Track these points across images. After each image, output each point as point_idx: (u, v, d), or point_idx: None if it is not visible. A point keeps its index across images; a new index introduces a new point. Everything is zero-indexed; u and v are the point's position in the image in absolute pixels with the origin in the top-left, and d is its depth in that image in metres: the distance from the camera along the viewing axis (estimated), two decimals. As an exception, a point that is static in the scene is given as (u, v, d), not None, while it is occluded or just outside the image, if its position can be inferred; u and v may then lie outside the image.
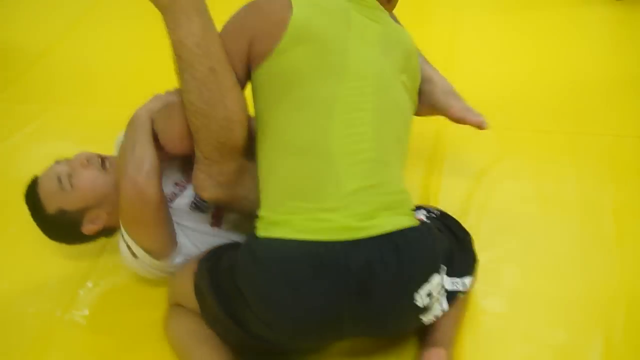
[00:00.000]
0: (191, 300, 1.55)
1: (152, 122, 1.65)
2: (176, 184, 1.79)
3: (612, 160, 2.12)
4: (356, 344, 1.64)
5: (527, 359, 1.61)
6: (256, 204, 1.48)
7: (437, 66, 2.53)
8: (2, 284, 1.92)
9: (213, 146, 1.51)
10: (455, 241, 1.60)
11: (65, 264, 1.92)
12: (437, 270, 1.42)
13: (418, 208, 1.67)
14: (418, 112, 1.78)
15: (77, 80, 2.77)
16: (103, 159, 1.74)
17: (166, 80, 1.75)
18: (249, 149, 1.57)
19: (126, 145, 1.63)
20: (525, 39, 2.81)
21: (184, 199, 1.75)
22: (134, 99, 1.76)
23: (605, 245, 1.85)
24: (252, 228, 1.44)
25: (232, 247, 1.54)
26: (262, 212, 1.44)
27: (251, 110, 1.58)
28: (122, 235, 1.65)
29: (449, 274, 1.52)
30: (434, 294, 1.42)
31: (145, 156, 1.59)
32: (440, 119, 1.87)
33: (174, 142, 1.60)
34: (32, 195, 1.72)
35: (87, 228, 1.72)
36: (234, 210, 1.72)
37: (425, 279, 1.39)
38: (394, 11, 1.79)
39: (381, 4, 1.65)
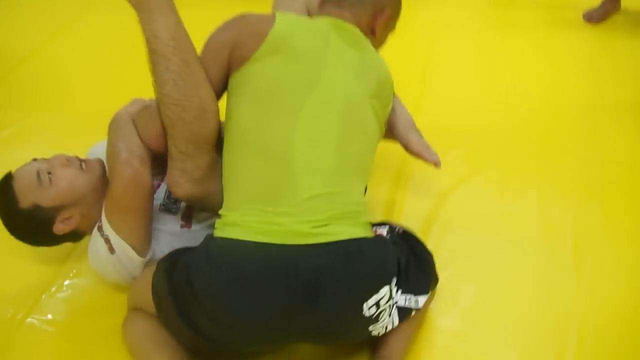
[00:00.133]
0: (149, 303, 1.57)
1: (132, 122, 1.70)
2: None
3: (576, 184, 2.16)
4: (308, 353, 1.66)
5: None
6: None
7: (411, 83, 2.59)
8: None
9: (188, 139, 1.56)
10: (414, 259, 1.63)
11: (30, 269, 1.93)
12: (387, 282, 1.45)
13: (383, 224, 1.71)
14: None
15: (57, 86, 2.79)
16: (81, 161, 1.75)
17: (145, 89, 1.79)
18: (219, 145, 1.62)
19: (114, 139, 1.67)
20: (501, 60, 2.87)
21: (155, 201, 1.78)
22: (111, 107, 1.80)
23: (562, 268, 1.88)
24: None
25: (191, 248, 1.57)
26: (221, 211, 1.50)
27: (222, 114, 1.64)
28: (101, 230, 1.66)
29: (404, 291, 1.54)
30: (382, 305, 1.44)
31: (137, 144, 1.64)
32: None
33: (153, 139, 1.65)
34: (6, 189, 1.68)
35: (59, 227, 1.70)
36: (205, 208, 1.74)
37: (373, 289, 1.42)
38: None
39: (365, 33, 1.74)
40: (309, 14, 1.88)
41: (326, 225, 1.43)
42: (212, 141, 1.61)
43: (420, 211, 2.08)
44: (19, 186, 1.67)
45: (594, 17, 3.08)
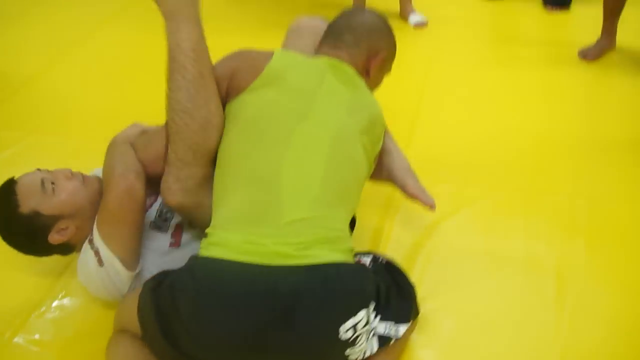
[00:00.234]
0: (135, 323, 1.60)
1: (130, 144, 1.77)
2: None
3: (561, 221, 2.19)
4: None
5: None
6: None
7: (404, 116, 2.63)
8: None
9: (189, 146, 1.63)
10: (395, 288, 1.66)
11: (21, 287, 1.97)
12: (365, 307, 1.47)
13: (366, 254, 1.75)
14: (374, 178, 1.95)
15: (57, 111, 2.85)
16: (83, 176, 1.82)
17: (143, 116, 1.85)
18: (214, 164, 1.68)
19: (110, 157, 1.74)
20: (495, 96, 2.90)
21: (146, 219, 1.82)
22: (109, 132, 1.86)
23: (544, 304, 1.90)
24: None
25: (178, 269, 1.59)
26: (208, 230, 1.55)
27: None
28: (92, 243, 1.70)
29: (384, 318, 1.56)
30: (359, 329, 1.46)
31: (133, 162, 1.71)
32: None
33: (149, 161, 1.72)
34: (8, 192, 1.74)
35: (54, 237, 1.75)
36: (193, 221, 1.79)
37: (350, 312, 1.45)
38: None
39: (360, 74, 1.82)
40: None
41: (307, 248, 1.47)
42: (210, 155, 1.67)
43: (406, 242, 2.11)
44: (21, 191, 1.73)
45: (590, 55, 3.12)
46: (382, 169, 1.94)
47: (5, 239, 1.79)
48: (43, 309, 1.91)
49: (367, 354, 1.56)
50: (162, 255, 1.79)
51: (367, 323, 1.49)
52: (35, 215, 1.72)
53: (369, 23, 1.90)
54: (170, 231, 1.83)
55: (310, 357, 1.51)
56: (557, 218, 2.20)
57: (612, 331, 1.83)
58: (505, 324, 1.85)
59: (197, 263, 1.50)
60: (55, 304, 1.93)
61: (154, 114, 1.82)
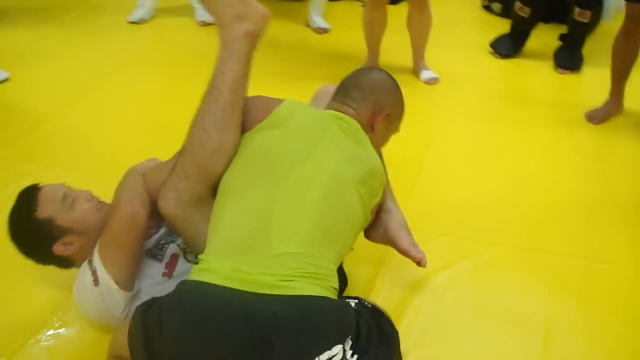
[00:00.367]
0: (126, 347, 1.65)
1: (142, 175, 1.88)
2: None
3: (555, 279, 2.22)
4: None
5: None
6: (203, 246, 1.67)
7: (407, 167, 2.69)
8: None
9: (196, 162, 1.74)
10: (377, 331, 1.66)
11: (19, 315, 2.04)
12: (340, 342, 1.50)
13: (353, 298, 1.77)
14: (372, 238, 2.04)
15: (74, 146, 2.94)
16: (100, 202, 1.93)
17: (153, 156, 1.94)
18: (213, 191, 1.77)
19: (122, 184, 1.85)
20: (499, 154, 2.96)
21: (145, 246, 1.91)
22: (122, 169, 1.94)
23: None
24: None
25: (168, 293, 1.65)
26: (200, 256, 1.63)
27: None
28: (90, 263, 1.79)
29: (361, 359, 1.56)
30: None
31: (140, 191, 1.81)
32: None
33: (155, 189, 1.81)
34: (29, 195, 1.86)
35: (58, 248, 1.85)
36: (181, 235, 1.86)
37: (326, 345, 1.48)
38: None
39: (364, 129, 1.91)
40: None
41: (291, 280, 1.53)
42: (212, 178, 1.75)
43: (396, 293, 2.14)
44: (43, 197, 1.85)
45: (596, 118, 3.16)
46: (379, 225, 2.02)
47: (12, 236, 1.88)
48: (39, 336, 1.96)
49: None
50: (155, 284, 1.86)
51: (342, 358, 1.51)
52: (48, 222, 1.83)
53: (376, 81, 2.00)
54: (165, 261, 1.90)
55: None
56: (551, 276, 2.23)
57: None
58: (490, 377, 1.88)
59: (184, 286, 1.57)
60: (51, 332, 1.98)
61: (166, 154, 1.90)
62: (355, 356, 1.55)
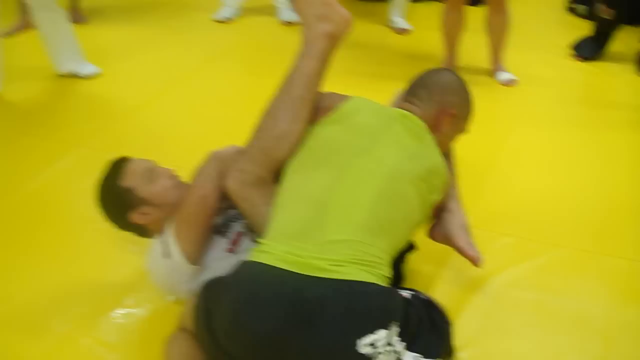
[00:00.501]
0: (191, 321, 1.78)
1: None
2: None
3: (618, 284, 2.20)
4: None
5: None
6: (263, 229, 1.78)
7: (478, 167, 2.70)
8: (29, 292, 2.19)
9: (262, 148, 1.86)
10: (429, 323, 1.71)
11: (94, 293, 2.18)
12: (384, 327, 1.55)
13: (409, 289, 1.81)
14: (433, 236, 2.09)
15: (154, 138, 3.06)
16: (181, 182, 2.07)
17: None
18: (275, 177, 1.88)
19: (201, 167, 1.98)
20: (575, 156, 2.95)
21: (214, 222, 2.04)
22: (196, 161, 2.02)
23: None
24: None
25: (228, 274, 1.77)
26: (260, 240, 1.73)
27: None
28: (164, 236, 1.94)
29: (411, 348, 1.61)
30: (378, 346, 1.53)
31: (214, 176, 1.92)
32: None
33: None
34: (118, 165, 2.03)
35: (135, 216, 2.00)
36: (246, 223, 1.98)
37: (369, 328, 1.54)
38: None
39: (430, 128, 1.95)
40: None
41: (341, 265, 1.60)
42: (275, 164, 1.86)
43: (455, 289, 2.17)
44: (129, 169, 2.02)
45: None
46: (441, 224, 2.06)
47: (98, 200, 2.04)
48: (113, 314, 2.09)
49: None
50: (219, 259, 1.97)
51: (388, 344, 1.55)
52: (129, 191, 1.99)
53: (443, 81, 2.05)
54: (230, 237, 2.01)
55: None
56: (614, 280, 2.21)
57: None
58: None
59: (242, 266, 1.68)
60: (123, 311, 2.11)
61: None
62: (403, 344, 1.59)
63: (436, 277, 2.23)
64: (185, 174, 2.05)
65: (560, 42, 4.01)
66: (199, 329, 1.73)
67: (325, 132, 1.87)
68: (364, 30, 4.21)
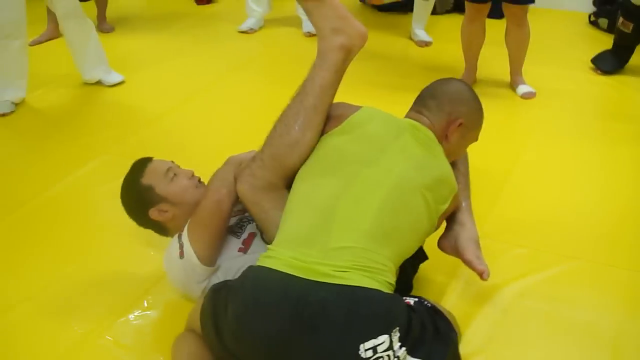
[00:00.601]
0: (199, 323, 1.83)
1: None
2: None
3: (631, 296, 2.20)
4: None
5: None
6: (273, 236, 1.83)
7: (494, 178, 2.71)
8: (50, 292, 2.26)
9: (273, 154, 1.90)
10: (433, 330, 1.72)
11: (111, 295, 2.23)
12: (387, 332, 1.58)
13: (414, 297, 1.84)
14: (443, 248, 2.11)
15: (178, 145, 3.11)
16: (200, 183, 2.15)
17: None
18: (286, 183, 1.93)
19: (218, 172, 2.04)
20: (589, 168, 2.96)
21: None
22: (214, 168, 2.08)
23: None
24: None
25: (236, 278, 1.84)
26: (269, 246, 1.78)
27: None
28: (180, 237, 2.01)
29: (412, 354, 1.62)
30: (379, 351, 1.56)
31: (230, 181, 1.98)
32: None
33: None
34: (141, 165, 2.12)
35: (153, 213, 2.08)
36: (257, 227, 2.05)
37: (371, 333, 1.57)
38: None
39: (439, 139, 1.99)
40: None
41: (345, 271, 1.64)
42: (286, 171, 1.91)
43: (466, 299, 2.19)
44: (150, 168, 2.11)
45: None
46: (451, 236, 2.08)
47: (121, 197, 2.14)
48: (130, 316, 2.15)
49: None
50: (231, 258, 2.04)
51: (389, 349, 1.58)
52: (149, 188, 2.07)
53: (453, 91, 2.07)
54: (242, 237, 2.09)
55: None
56: (626, 293, 2.22)
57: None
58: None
59: (249, 270, 1.74)
60: (139, 313, 2.16)
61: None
62: (404, 348, 1.61)
63: (447, 286, 2.25)
64: (206, 179, 2.11)
65: (581, 56, 4.03)
66: (206, 331, 1.78)
67: (335, 141, 1.90)
68: (385, 42, 4.26)
